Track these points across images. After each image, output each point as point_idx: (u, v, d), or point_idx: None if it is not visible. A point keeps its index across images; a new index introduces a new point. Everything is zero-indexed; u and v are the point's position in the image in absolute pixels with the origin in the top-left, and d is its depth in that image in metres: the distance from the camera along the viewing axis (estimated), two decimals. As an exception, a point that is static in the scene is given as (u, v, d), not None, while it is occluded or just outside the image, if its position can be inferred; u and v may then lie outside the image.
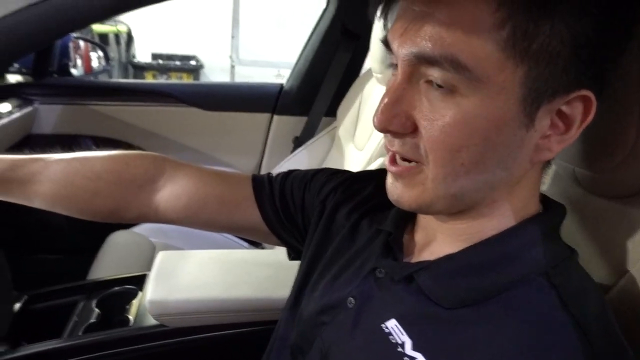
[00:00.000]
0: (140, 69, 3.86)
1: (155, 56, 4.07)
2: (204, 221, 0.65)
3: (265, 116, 1.58)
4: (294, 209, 0.64)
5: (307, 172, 0.67)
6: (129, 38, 3.85)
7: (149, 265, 1.27)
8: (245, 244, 1.45)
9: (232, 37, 4.08)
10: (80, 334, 0.90)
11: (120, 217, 0.64)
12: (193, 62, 4.05)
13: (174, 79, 3.88)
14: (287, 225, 0.65)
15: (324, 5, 1.55)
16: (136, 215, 0.64)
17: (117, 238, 1.37)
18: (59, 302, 1.03)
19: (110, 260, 1.30)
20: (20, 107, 1.39)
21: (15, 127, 1.35)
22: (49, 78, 1.53)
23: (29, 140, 1.48)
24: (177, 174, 0.63)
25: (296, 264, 0.65)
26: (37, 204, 0.62)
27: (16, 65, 1.54)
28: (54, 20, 1.31)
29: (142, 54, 4.07)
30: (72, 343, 0.87)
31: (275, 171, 0.68)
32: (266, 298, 0.87)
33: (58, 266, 1.53)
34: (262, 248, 1.41)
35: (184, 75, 3.97)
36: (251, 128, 1.59)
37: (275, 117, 1.58)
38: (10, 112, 1.32)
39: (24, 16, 1.28)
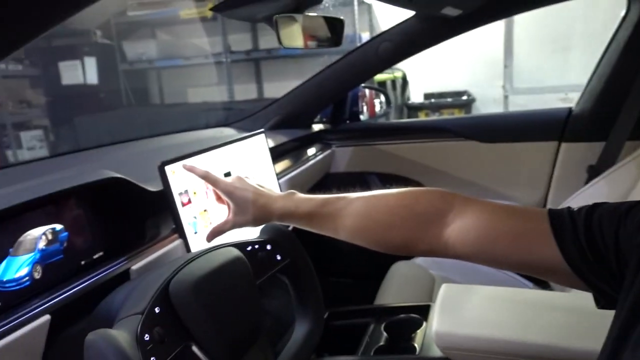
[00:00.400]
0: (414, 109, 4.09)
1: (427, 96, 4.26)
2: (494, 257, 0.61)
3: (550, 144, 1.44)
4: (604, 249, 0.55)
5: (618, 205, 0.57)
6: (404, 82, 4.14)
7: (428, 296, 1.31)
8: (530, 283, 1.33)
9: (505, 66, 3.94)
10: (371, 354, 0.98)
11: (411, 249, 0.67)
12: (464, 97, 4.07)
13: (446, 116, 3.96)
14: (595, 267, 0.56)
15: (605, 22, 1.34)
16: (427, 249, 0.65)
17: (399, 268, 1.45)
18: (353, 322, 1.14)
19: (393, 288, 1.38)
20: (322, 150, 1.65)
21: (318, 167, 1.59)
22: (343, 124, 1.77)
23: (327, 178, 1.73)
24: (466, 209, 0.62)
25: (603, 312, 0.55)
26: (342, 235, 0.71)
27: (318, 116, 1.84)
28: (350, 74, 1.53)
29: (415, 95, 4.32)
30: (366, 361, 0.94)
31: (567, 205, 0.60)
32: (567, 348, 0.77)
33: (350, 290, 1.71)
34: (550, 289, 1.27)
35: (456, 111, 4.02)
36: (534, 158, 1.47)
37: (564, 144, 1.42)
38: (315, 155, 1.57)
39: (327, 74, 1.54)
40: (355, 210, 0.69)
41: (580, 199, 1.27)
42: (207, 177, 0.80)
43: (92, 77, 4.25)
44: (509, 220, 0.60)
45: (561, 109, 1.47)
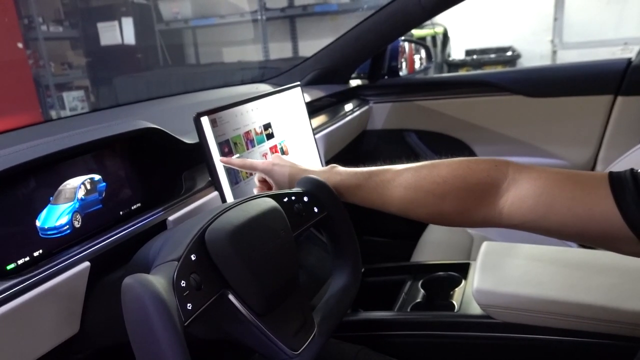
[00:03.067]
0: (454, 67, 3.94)
1: (469, 52, 4.09)
2: (551, 226, 0.57)
3: (605, 98, 1.35)
4: None
5: None
6: (445, 38, 3.98)
7: (466, 255, 1.28)
8: (574, 244, 1.28)
9: (555, 19, 3.71)
10: (408, 310, 0.97)
11: (464, 221, 0.64)
12: (509, 53, 3.88)
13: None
14: None
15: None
16: (481, 219, 0.62)
17: (437, 227, 1.42)
18: (389, 279, 1.13)
19: (430, 247, 1.35)
20: (359, 106, 1.60)
21: (355, 124, 1.55)
22: (381, 80, 1.71)
23: (364, 135, 1.69)
24: (520, 177, 0.59)
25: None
26: (390, 208, 0.69)
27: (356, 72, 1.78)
28: (390, 26, 1.46)
29: (456, 52, 4.14)
30: (402, 317, 0.93)
31: (621, 163, 0.55)
32: (612, 307, 0.74)
33: (385, 248, 1.70)
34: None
35: (499, 67, 3.84)
36: (586, 114, 1.38)
37: (620, 98, 1.33)
38: (352, 111, 1.53)
39: (366, 26, 1.47)
40: (405, 181, 0.66)
41: (634, 157, 1.19)
42: (244, 165, 0.80)
43: (130, 38, 4.28)
44: (566, 186, 0.56)
45: (619, 60, 1.37)
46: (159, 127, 0.76)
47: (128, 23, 4.25)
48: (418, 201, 0.65)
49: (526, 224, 0.58)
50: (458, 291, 0.97)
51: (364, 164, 1.86)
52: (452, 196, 0.62)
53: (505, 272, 0.85)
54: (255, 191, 0.80)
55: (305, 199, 0.66)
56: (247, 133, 0.88)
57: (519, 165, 0.61)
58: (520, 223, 0.59)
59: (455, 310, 0.90)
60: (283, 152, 0.98)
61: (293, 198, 0.65)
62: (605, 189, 0.53)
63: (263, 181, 0.80)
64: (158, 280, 0.43)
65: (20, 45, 3.70)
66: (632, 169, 0.54)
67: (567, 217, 0.55)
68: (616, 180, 0.53)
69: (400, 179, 0.66)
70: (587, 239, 0.57)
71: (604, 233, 0.54)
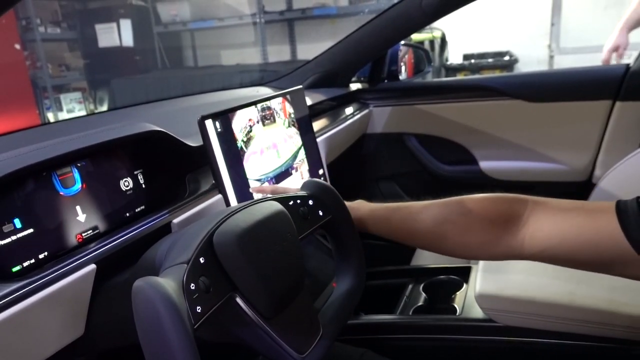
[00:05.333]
0: (452, 71, 3.96)
1: (466, 57, 4.11)
2: (567, 253, 0.60)
3: (603, 104, 1.36)
4: None
5: None
6: (443, 42, 3.99)
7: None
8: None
9: (552, 24, 3.73)
10: (410, 313, 0.97)
11: (490, 252, 0.66)
12: (506, 58, 3.90)
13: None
14: None
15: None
16: (504, 250, 0.65)
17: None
18: (390, 282, 1.13)
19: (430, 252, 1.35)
20: (359, 110, 1.60)
21: (355, 128, 1.56)
22: (381, 83, 1.71)
23: (364, 139, 1.69)
24: (538, 207, 0.63)
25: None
26: (416, 240, 0.72)
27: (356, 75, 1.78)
28: (390, 30, 1.47)
29: (454, 56, 4.16)
30: (404, 321, 0.94)
31: (620, 168, 0.57)
32: (614, 312, 0.74)
33: (384, 252, 1.70)
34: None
35: (497, 72, 3.86)
36: (585, 119, 1.39)
37: (618, 104, 1.34)
38: (352, 115, 1.53)
39: (367, 30, 1.48)
40: (432, 215, 0.69)
41: (633, 162, 1.19)
42: (276, 191, 0.80)
43: (128, 40, 4.27)
44: (575, 214, 0.59)
45: (617, 65, 1.38)
46: (164, 130, 0.76)
47: (126, 25, 4.25)
48: (445, 234, 0.68)
49: (544, 253, 0.61)
50: (460, 295, 0.97)
51: (364, 168, 1.86)
52: (477, 228, 0.65)
53: (508, 276, 0.85)
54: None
55: (310, 202, 0.66)
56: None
57: (537, 198, 0.64)
58: (539, 252, 0.61)
59: (458, 314, 0.90)
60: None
61: (298, 201, 0.65)
62: (611, 214, 0.56)
63: None
64: (168, 283, 0.43)
65: (17, 46, 3.69)
66: (637, 197, 0.56)
67: (577, 242, 0.58)
68: (622, 207, 0.56)
69: (428, 212, 0.69)
70: (600, 266, 0.59)
71: (613, 259, 0.56)
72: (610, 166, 1.28)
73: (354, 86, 1.70)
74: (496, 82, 1.49)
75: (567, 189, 1.45)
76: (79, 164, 0.66)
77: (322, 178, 1.08)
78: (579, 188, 1.42)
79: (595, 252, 0.57)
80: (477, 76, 3.32)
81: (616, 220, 0.55)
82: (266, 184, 0.87)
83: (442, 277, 1.05)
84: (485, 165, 1.53)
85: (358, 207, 0.75)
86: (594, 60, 3.47)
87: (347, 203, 0.75)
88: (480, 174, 1.53)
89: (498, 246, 0.64)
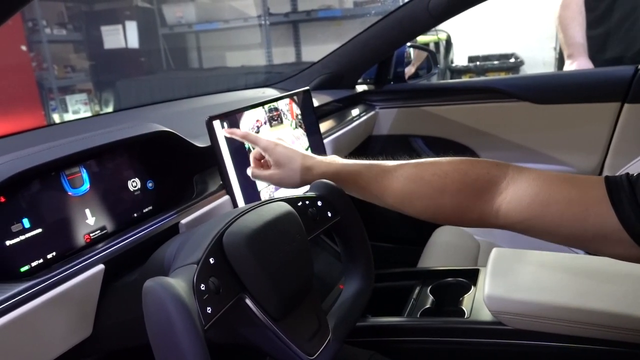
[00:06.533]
0: (457, 73, 3.95)
1: (471, 58, 4.10)
2: (548, 227, 0.57)
3: (612, 106, 1.35)
4: None
5: None
6: (448, 44, 3.98)
7: (473, 261, 1.28)
8: (581, 251, 1.27)
9: (558, 27, 3.71)
10: (418, 316, 0.96)
11: (461, 218, 0.64)
12: (512, 60, 3.88)
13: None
14: None
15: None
16: (477, 218, 0.62)
17: (443, 233, 1.41)
18: (398, 284, 1.12)
19: (437, 253, 1.35)
20: (365, 111, 1.60)
21: (361, 129, 1.55)
22: (387, 85, 1.71)
23: (370, 140, 1.69)
24: (519, 176, 0.59)
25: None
26: (388, 200, 0.68)
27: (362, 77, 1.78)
28: (397, 32, 1.46)
29: (459, 59, 4.15)
30: (412, 323, 0.93)
31: (628, 170, 0.56)
32: (625, 315, 0.73)
33: (391, 254, 1.69)
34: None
35: (502, 74, 3.85)
36: (593, 121, 1.38)
37: (627, 106, 1.33)
38: (358, 116, 1.53)
39: (373, 32, 1.48)
40: (406, 173, 0.66)
41: (642, 165, 1.19)
42: (247, 137, 0.78)
43: (133, 41, 4.29)
44: (563, 188, 0.56)
45: (626, 67, 1.37)
46: (172, 131, 0.76)
47: (132, 27, 4.26)
48: (417, 193, 0.64)
49: (523, 223, 0.58)
50: (468, 297, 0.96)
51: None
52: (451, 190, 0.62)
53: (517, 279, 0.85)
54: (249, 171, 0.78)
55: (319, 203, 0.66)
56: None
57: (519, 166, 0.61)
58: (518, 222, 0.58)
59: (466, 317, 0.89)
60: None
61: (307, 202, 0.65)
62: (602, 190, 0.53)
63: (259, 159, 0.79)
64: (179, 283, 0.43)
65: (24, 48, 3.71)
66: (627, 173, 0.54)
67: (563, 217, 0.55)
68: (612, 184, 0.53)
69: (402, 170, 0.66)
70: (581, 241, 0.56)
71: (598, 235, 0.54)
72: (618, 169, 1.28)
73: (360, 88, 1.70)
74: (503, 83, 1.48)
75: None
76: (87, 164, 0.66)
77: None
78: None
79: (580, 227, 0.54)
80: (483, 78, 3.31)
81: (607, 197, 0.52)
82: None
83: (449, 279, 1.05)
84: None
85: (330, 161, 0.72)
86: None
87: (319, 157, 0.74)
88: None
89: (471, 212, 0.61)
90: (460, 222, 0.65)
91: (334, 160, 0.74)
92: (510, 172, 0.60)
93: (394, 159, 1.76)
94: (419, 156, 1.63)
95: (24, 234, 0.57)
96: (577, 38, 1.72)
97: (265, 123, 0.91)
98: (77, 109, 4.14)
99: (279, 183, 0.76)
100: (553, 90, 1.42)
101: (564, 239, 0.57)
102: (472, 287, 0.99)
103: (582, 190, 0.55)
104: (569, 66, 1.72)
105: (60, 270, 0.55)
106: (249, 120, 0.87)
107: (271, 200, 0.61)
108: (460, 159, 0.64)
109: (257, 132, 0.88)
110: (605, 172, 1.39)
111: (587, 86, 1.41)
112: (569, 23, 1.74)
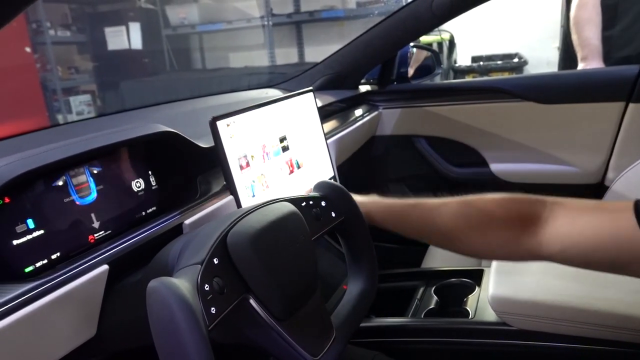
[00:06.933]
0: (461, 73, 3.94)
1: (475, 58, 4.09)
2: (585, 253, 0.59)
3: (616, 105, 1.34)
4: None
5: None
6: (451, 44, 3.98)
7: (477, 261, 1.27)
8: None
9: (562, 26, 3.70)
10: (422, 316, 0.96)
11: (509, 254, 0.66)
12: (515, 60, 3.87)
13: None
14: None
15: None
16: (524, 251, 0.64)
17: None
18: (402, 285, 1.12)
19: (441, 253, 1.34)
20: (369, 112, 1.60)
21: (364, 130, 1.55)
22: (390, 85, 1.70)
23: (373, 140, 1.68)
24: (556, 209, 0.62)
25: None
26: (434, 237, 0.72)
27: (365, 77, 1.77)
28: (399, 32, 1.46)
29: (463, 59, 4.15)
30: (416, 324, 0.93)
31: (633, 170, 0.57)
32: (632, 316, 0.73)
33: (394, 254, 1.69)
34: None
35: (506, 74, 3.84)
36: (597, 121, 1.37)
37: (632, 105, 1.32)
38: (362, 117, 1.52)
39: (376, 32, 1.47)
40: (451, 211, 0.68)
41: (647, 165, 1.18)
42: None
43: (137, 43, 4.29)
44: (595, 216, 0.59)
45: (630, 67, 1.36)
46: (176, 131, 0.76)
47: (135, 28, 4.27)
48: (464, 232, 0.67)
49: (563, 253, 0.60)
50: (472, 298, 0.96)
51: (374, 170, 1.85)
52: (497, 227, 0.65)
53: (521, 279, 0.84)
54: None
55: (323, 203, 0.66)
56: (264, 146, 0.88)
57: (556, 199, 0.64)
58: (557, 252, 0.61)
59: (470, 317, 0.89)
60: (298, 165, 0.97)
61: (311, 202, 0.65)
62: (630, 214, 0.55)
63: None
64: (183, 284, 0.43)
65: (28, 49, 3.72)
66: None
67: (597, 244, 0.57)
68: (639, 206, 0.55)
69: (446, 208, 0.69)
70: (619, 266, 0.58)
71: (630, 257, 0.55)
72: (623, 168, 1.27)
73: (363, 88, 1.69)
74: (506, 83, 1.48)
75: (579, 191, 1.43)
76: (92, 164, 0.66)
77: (332, 180, 1.07)
78: (592, 190, 1.41)
79: (613, 253, 0.56)
80: (486, 78, 3.29)
81: (634, 219, 0.54)
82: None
83: (453, 279, 1.04)
84: (495, 167, 1.51)
85: (373, 201, 0.74)
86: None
87: (359, 197, 0.74)
88: (491, 176, 1.52)
89: (518, 246, 0.64)
90: (508, 257, 0.68)
91: (375, 200, 0.75)
92: (548, 205, 0.63)
93: (397, 159, 1.76)
94: (423, 157, 1.64)
95: (28, 235, 0.57)
96: (592, 39, 1.69)
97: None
98: (81, 110, 4.15)
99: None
100: (557, 90, 1.41)
101: (602, 266, 0.59)
102: (477, 287, 0.99)
103: (612, 216, 0.57)
104: (583, 68, 1.70)
105: (64, 270, 0.55)
106: (255, 140, 0.85)
107: (275, 201, 0.61)
108: (501, 196, 0.67)
109: (269, 158, 0.88)
110: (610, 172, 1.39)
111: (591, 86, 1.40)
112: (584, 24, 1.71)
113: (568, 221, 0.60)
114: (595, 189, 1.40)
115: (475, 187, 1.61)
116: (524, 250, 0.63)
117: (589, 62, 1.70)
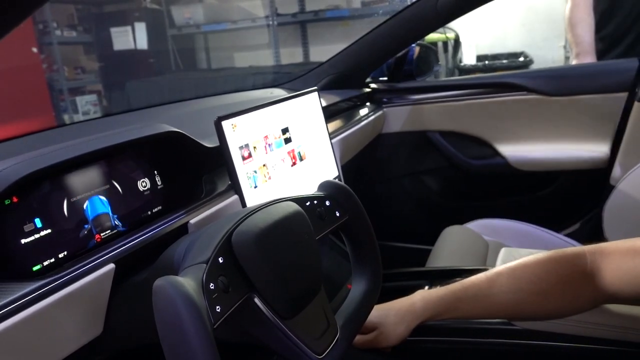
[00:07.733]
0: (466, 72, 3.92)
1: (480, 57, 4.07)
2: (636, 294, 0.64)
3: (621, 97, 1.35)
4: None
5: None
6: (456, 43, 3.96)
7: (482, 261, 1.27)
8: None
9: (567, 25, 3.68)
10: (427, 316, 0.95)
11: (571, 310, 0.70)
12: (521, 59, 3.85)
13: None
14: None
15: None
16: (581, 307, 0.69)
17: (451, 232, 1.41)
18: (406, 284, 1.12)
19: (445, 253, 1.34)
20: (374, 110, 1.60)
21: (370, 128, 1.55)
22: (395, 84, 1.70)
23: (379, 139, 1.69)
24: (595, 257, 0.66)
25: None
26: (497, 315, 0.76)
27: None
28: (404, 31, 1.46)
29: (468, 57, 4.13)
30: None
31: (637, 172, 0.60)
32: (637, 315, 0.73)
33: (399, 253, 1.69)
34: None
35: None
36: (603, 112, 1.39)
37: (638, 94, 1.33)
38: (367, 115, 1.53)
39: (381, 31, 1.47)
40: (503, 287, 0.71)
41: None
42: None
43: (142, 43, 4.31)
44: (633, 259, 0.63)
45: (630, 60, 1.39)
46: (181, 131, 0.76)
47: (141, 28, 4.29)
48: (523, 304, 0.70)
49: (616, 295, 0.65)
50: (477, 297, 0.96)
51: (381, 167, 1.85)
52: (550, 293, 0.69)
53: (526, 278, 0.84)
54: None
55: (327, 202, 0.66)
56: (266, 137, 0.88)
57: (593, 247, 0.68)
58: (611, 296, 0.66)
59: (475, 317, 0.89)
60: (300, 157, 0.98)
61: (315, 202, 0.65)
62: None
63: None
64: (188, 282, 0.43)
65: (34, 49, 3.75)
66: None
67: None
68: None
69: (497, 285, 0.72)
70: None
71: None
72: (631, 160, 1.27)
73: (369, 87, 1.70)
74: (513, 77, 1.50)
75: (589, 175, 1.45)
76: (97, 165, 0.67)
77: (336, 179, 1.08)
78: (599, 175, 1.43)
79: None
80: (489, 74, 3.29)
81: None
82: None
83: (458, 279, 1.04)
84: (510, 157, 1.54)
85: (423, 296, 0.78)
86: (610, 61, 3.43)
87: (408, 301, 0.79)
88: (506, 166, 1.54)
89: (574, 303, 0.68)
90: (571, 313, 0.71)
91: (425, 295, 0.79)
92: (588, 257, 0.67)
93: (404, 158, 1.76)
94: (439, 150, 1.64)
95: (36, 234, 0.58)
96: (585, 37, 1.77)
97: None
98: (87, 110, 4.18)
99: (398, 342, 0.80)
100: (562, 81, 1.43)
101: None
102: (482, 286, 0.98)
103: None
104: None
105: (71, 269, 0.56)
106: (257, 132, 0.86)
107: (280, 200, 0.61)
108: (546, 259, 0.70)
109: (271, 150, 0.89)
110: (618, 160, 1.40)
111: (596, 78, 1.42)
112: (577, 23, 1.78)
113: (614, 268, 0.64)
114: (603, 173, 1.43)
115: (491, 178, 1.64)
116: (581, 306, 0.68)
117: (582, 58, 1.77)
